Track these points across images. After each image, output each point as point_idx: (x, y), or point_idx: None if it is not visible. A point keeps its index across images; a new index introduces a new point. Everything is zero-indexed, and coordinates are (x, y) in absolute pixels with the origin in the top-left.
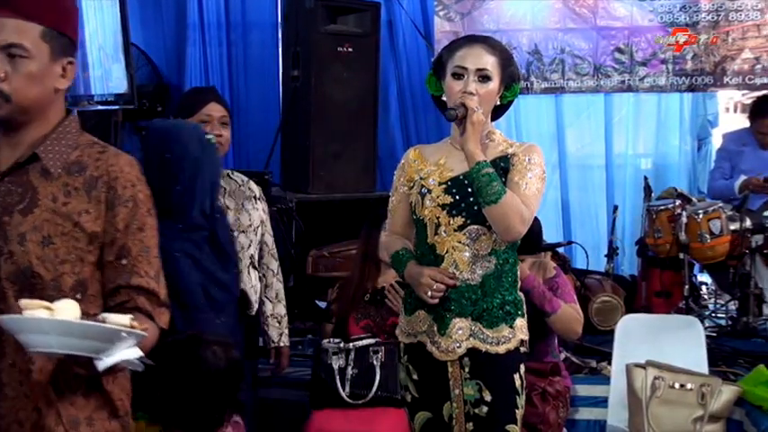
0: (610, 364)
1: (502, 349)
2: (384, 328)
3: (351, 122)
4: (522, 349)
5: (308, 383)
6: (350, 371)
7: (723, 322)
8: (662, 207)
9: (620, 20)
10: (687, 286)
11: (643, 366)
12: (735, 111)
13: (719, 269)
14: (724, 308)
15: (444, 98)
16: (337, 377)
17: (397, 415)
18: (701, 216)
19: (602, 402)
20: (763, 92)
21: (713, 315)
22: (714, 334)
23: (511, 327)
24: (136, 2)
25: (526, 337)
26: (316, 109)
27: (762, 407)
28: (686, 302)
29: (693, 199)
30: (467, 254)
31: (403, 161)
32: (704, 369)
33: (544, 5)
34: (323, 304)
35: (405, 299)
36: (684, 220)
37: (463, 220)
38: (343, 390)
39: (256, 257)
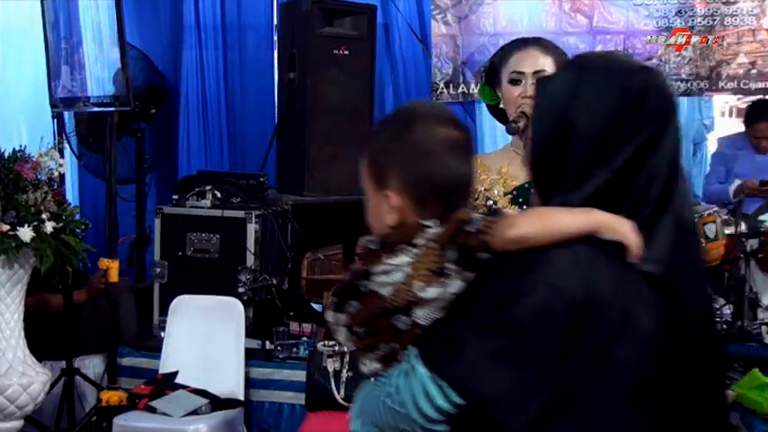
0: None
1: None
2: None
3: (347, 125)
4: None
5: (303, 386)
6: (345, 373)
7: (718, 326)
8: None
9: (616, 24)
10: None
11: None
12: (730, 115)
13: (714, 273)
14: (719, 312)
15: (501, 106)
16: (332, 380)
17: None
18: (695, 220)
19: None
20: (758, 96)
21: None
22: None
23: None
24: (132, 4)
25: None
26: (312, 111)
27: (756, 410)
28: None
29: None
30: None
31: None
32: None
33: (541, 9)
34: (319, 307)
35: None
36: None
37: None
38: (338, 392)
39: None
